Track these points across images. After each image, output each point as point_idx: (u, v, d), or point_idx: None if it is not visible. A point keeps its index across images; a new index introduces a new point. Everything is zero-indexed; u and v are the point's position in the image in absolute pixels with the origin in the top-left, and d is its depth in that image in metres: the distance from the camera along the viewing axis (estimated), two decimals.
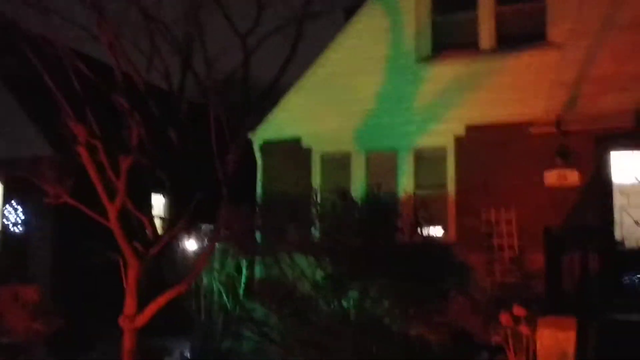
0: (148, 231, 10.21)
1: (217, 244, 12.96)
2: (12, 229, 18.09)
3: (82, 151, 9.75)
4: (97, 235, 16.82)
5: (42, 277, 16.26)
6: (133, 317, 9.97)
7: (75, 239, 16.83)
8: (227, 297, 14.18)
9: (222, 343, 14.23)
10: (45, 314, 11.16)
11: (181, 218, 10.82)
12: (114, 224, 10.17)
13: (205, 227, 14.48)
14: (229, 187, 11.65)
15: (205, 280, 14.01)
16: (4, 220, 18.17)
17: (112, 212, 10.09)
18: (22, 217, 18.08)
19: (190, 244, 20.87)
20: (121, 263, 10.44)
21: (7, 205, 18.23)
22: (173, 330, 14.62)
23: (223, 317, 14.28)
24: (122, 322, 10.02)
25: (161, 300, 10.38)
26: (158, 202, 18.79)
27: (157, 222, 20.53)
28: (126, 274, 10.09)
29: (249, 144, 15.81)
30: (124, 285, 10.09)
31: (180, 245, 20.98)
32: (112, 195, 10.31)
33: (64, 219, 17.44)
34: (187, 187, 11.95)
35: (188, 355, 14.53)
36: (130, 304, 10.00)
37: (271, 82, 11.73)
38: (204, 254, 11.06)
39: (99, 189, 10.01)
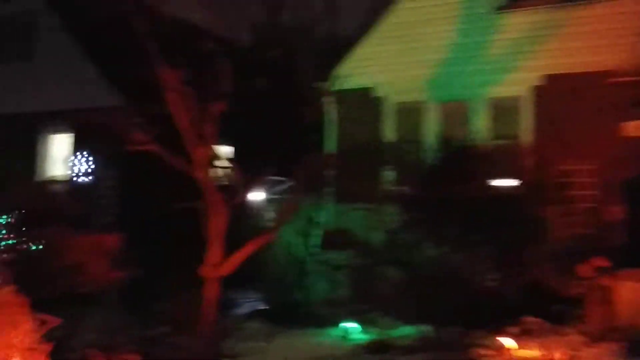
0: (232, 180, 10.14)
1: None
2: (81, 179, 18.35)
3: (172, 96, 9.68)
4: (162, 185, 17.18)
5: (109, 227, 16.48)
6: (217, 265, 9.97)
7: (141, 189, 17.02)
8: (299, 248, 14.16)
9: (293, 295, 14.24)
10: (124, 262, 11.26)
11: (258, 167, 10.76)
12: (202, 170, 10.08)
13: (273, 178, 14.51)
14: (309, 137, 11.61)
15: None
16: (74, 170, 18.42)
17: (200, 158, 9.98)
18: (91, 167, 18.30)
19: (257, 195, 21.15)
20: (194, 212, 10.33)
21: (77, 156, 18.47)
22: (241, 282, 14.76)
23: (294, 269, 14.30)
24: (205, 270, 10.00)
25: (248, 249, 10.40)
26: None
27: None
28: (209, 222, 10.02)
29: (319, 94, 15.67)
30: (207, 233, 10.03)
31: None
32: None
33: (131, 169, 17.66)
34: (257, 138, 11.94)
35: (258, 307, 14.60)
36: (214, 252, 9.97)
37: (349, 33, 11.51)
38: (290, 203, 11.00)
39: (188, 135, 9.93)
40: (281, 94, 12.36)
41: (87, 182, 18.20)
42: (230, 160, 10.13)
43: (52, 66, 18.89)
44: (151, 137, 9.96)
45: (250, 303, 14.74)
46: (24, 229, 11.68)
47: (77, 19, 19.09)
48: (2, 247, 11.08)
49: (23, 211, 12.50)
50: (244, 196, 10.31)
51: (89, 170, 18.23)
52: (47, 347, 8.25)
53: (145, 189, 16.53)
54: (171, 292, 12.94)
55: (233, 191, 10.25)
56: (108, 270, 10.70)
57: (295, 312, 13.69)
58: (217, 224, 9.94)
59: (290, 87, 13.26)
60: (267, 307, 14.39)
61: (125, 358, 9.11)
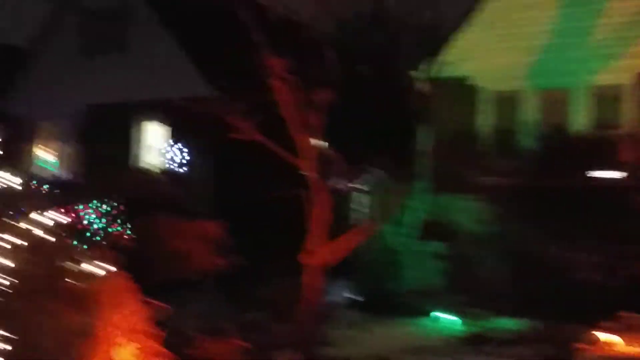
0: (338, 167, 10.09)
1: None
2: (176, 168, 18.62)
3: (278, 85, 9.68)
4: (259, 174, 17.31)
5: (208, 215, 16.67)
6: (318, 253, 9.93)
7: (236, 178, 17.19)
8: (395, 237, 14.06)
9: (388, 284, 14.17)
10: (226, 250, 11.37)
11: (357, 156, 10.66)
12: (307, 158, 10.05)
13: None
14: (406, 126, 11.49)
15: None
16: (169, 158, 18.70)
17: (306, 146, 9.95)
18: (186, 156, 18.56)
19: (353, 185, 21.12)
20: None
21: (172, 144, 18.75)
22: (334, 270, 14.75)
23: (389, 258, 14.22)
24: (305, 258, 9.99)
25: (353, 239, 10.37)
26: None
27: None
28: (312, 211, 10.00)
29: (417, 83, 15.45)
30: (309, 222, 10.01)
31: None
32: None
33: (226, 157, 17.86)
34: (356, 127, 11.86)
35: (352, 296, 14.57)
36: (314, 240, 9.95)
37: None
38: (398, 193, 10.88)
39: (294, 123, 9.92)
40: (378, 82, 12.23)
41: (182, 170, 18.45)
42: (332, 149, 10.02)
43: (147, 56, 19.23)
44: (254, 126, 9.98)
45: (344, 291, 14.70)
46: (126, 216, 11.94)
47: (172, 10, 19.40)
48: (104, 234, 11.34)
49: (124, 199, 12.77)
50: (347, 185, 10.25)
51: (184, 159, 18.49)
52: (157, 332, 8.42)
53: (241, 177, 16.70)
54: (269, 279, 13.05)
55: (335, 180, 10.20)
56: (211, 257, 10.81)
57: (389, 302, 13.62)
58: (320, 213, 9.91)
59: (388, 76, 13.10)
60: (361, 296, 14.34)
61: (231, 343, 9.21)
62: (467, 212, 13.32)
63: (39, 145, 20.94)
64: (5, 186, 7.62)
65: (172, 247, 10.31)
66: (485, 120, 15.10)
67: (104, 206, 12.59)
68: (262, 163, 16.93)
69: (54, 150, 21.42)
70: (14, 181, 7.70)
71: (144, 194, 12.95)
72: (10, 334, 7.01)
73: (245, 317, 11.37)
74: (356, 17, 10.61)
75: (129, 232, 11.47)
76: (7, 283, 7.08)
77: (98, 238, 10.84)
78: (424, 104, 15.53)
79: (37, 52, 21.15)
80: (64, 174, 19.90)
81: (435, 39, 14.79)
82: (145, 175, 16.15)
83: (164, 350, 8.30)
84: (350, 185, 10.42)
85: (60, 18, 20.92)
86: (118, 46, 20.10)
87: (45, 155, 20.99)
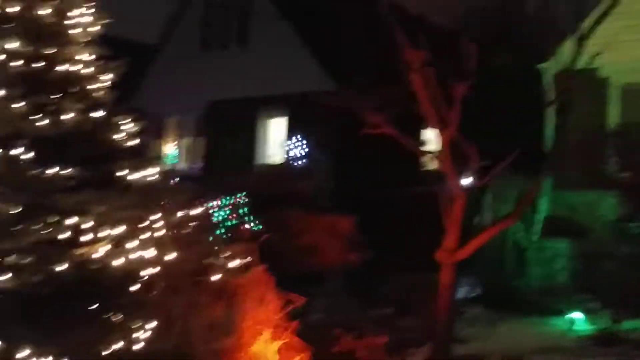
0: (472, 163, 9.99)
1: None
2: (295, 163, 18.83)
3: (415, 78, 9.67)
4: (376, 170, 17.37)
5: (327, 210, 16.83)
6: (454, 250, 9.92)
7: (356, 174, 17.29)
8: (519, 234, 13.81)
9: (512, 281, 13.95)
10: (357, 245, 11.47)
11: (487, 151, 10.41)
12: (445, 152, 9.97)
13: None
14: (531, 120, 11.27)
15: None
16: (291, 153, 18.95)
17: (443, 140, 9.87)
18: (307, 151, 18.73)
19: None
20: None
21: (292, 140, 19.00)
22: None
23: (513, 255, 14.00)
24: (441, 255, 9.98)
25: (486, 235, 10.30)
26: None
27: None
28: (448, 207, 9.95)
29: (541, 75, 15.07)
30: (445, 219, 9.96)
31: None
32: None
33: (345, 154, 17.99)
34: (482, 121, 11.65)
35: (475, 292, 14.41)
36: (452, 237, 9.89)
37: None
38: (532, 188, 10.68)
39: (431, 117, 9.88)
40: (508, 74, 12.00)
41: (303, 165, 18.61)
42: (466, 144, 9.89)
43: (268, 50, 19.52)
44: (386, 119, 10.01)
45: (466, 288, 14.57)
46: (255, 211, 12.22)
47: (293, 3, 19.62)
48: (235, 229, 11.58)
49: (252, 193, 13.06)
50: (487, 179, 10.13)
51: (305, 154, 18.67)
52: (294, 324, 8.65)
53: (362, 172, 16.79)
54: (391, 275, 13.10)
55: (469, 176, 10.08)
56: (341, 252, 10.93)
57: (513, 299, 13.42)
58: (455, 210, 9.86)
59: (518, 68, 12.83)
60: (484, 293, 14.17)
61: (373, 340, 9.32)
62: (595, 208, 12.91)
63: (165, 141, 21.69)
64: (147, 181, 7.93)
65: (303, 241, 10.49)
66: (612, 113, 14.58)
67: (232, 201, 12.92)
68: (384, 158, 17.14)
69: (178, 145, 22.18)
70: (153, 176, 8.00)
71: (270, 188, 13.17)
72: (157, 326, 7.35)
73: (372, 312, 11.50)
74: (487, 8, 10.38)
75: (259, 226, 11.73)
76: (154, 276, 7.42)
77: (229, 234, 11.14)
78: (553, 97, 15.12)
79: (162, 48, 21.86)
80: (188, 169, 20.54)
81: (560, 29, 14.32)
82: (271, 169, 16.43)
83: (304, 344, 8.49)
84: (482, 180, 10.26)
85: (184, 13, 21.55)
86: (239, 40, 20.54)
87: (170, 151, 21.74)
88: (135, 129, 8.20)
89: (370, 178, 16.87)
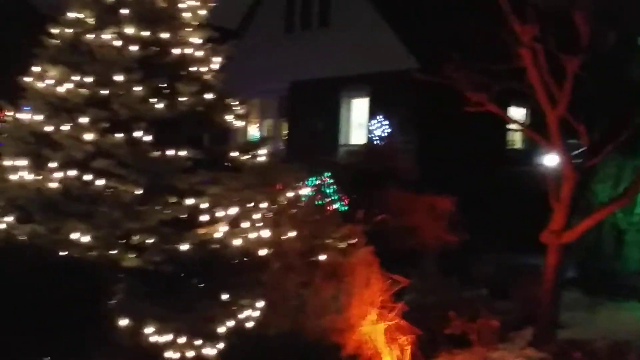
0: (582, 142, 9.73)
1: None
2: (377, 143, 18.72)
3: (525, 53, 9.44)
4: (462, 150, 17.12)
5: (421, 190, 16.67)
6: (560, 232, 9.70)
7: (440, 154, 17.08)
8: (618, 216, 13.35)
9: (610, 265, 13.53)
10: (456, 225, 11.33)
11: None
12: (554, 131, 9.72)
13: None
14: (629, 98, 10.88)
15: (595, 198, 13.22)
16: (371, 134, 18.87)
17: (552, 119, 9.68)
18: (387, 131, 18.62)
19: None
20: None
21: (374, 120, 18.89)
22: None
23: (611, 238, 13.59)
24: (547, 237, 9.75)
25: (596, 217, 10.04)
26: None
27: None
28: (556, 188, 9.72)
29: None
30: (553, 200, 9.73)
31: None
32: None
33: (430, 131, 17.83)
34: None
35: (570, 275, 14.07)
36: (559, 219, 9.63)
37: None
38: (632, 170, 10.38)
39: (540, 94, 9.63)
40: (606, 52, 11.55)
41: (394, 144, 18.44)
42: (575, 122, 9.61)
43: (350, 30, 19.40)
44: (487, 97, 9.82)
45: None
46: (350, 191, 12.18)
47: None
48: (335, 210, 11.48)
49: (347, 174, 13.01)
50: (597, 159, 9.85)
51: (388, 133, 18.54)
52: (399, 306, 8.64)
53: (446, 152, 16.59)
54: (488, 255, 12.89)
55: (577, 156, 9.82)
56: (441, 233, 10.83)
57: (611, 283, 13.07)
58: (564, 190, 9.61)
59: (616, 46, 12.37)
60: (579, 276, 13.83)
61: (486, 322, 9.26)
62: None
63: (248, 123, 21.87)
64: (258, 162, 8.00)
65: (403, 221, 10.42)
66: None
67: (323, 181, 12.92)
68: (470, 136, 16.95)
69: (260, 127, 22.36)
70: (263, 157, 8.06)
71: (365, 166, 13.07)
72: (271, 304, 7.46)
73: (466, 294, 11.36)
74: None
75: (345, 207, 11.68)
76: (269, 255, 7.52)
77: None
78: None
79: (244, 32, 21.99)
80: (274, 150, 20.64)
81: None
82: (362, 149, 16.36)
83: (410, 325, 8.49)
84: (592, 160, 9.95)
85: None
86: (321, 21, 20.50)
87: (253, 132, 21.93)
88: (243, 111, 8.29)
89: (458, 157, 16.66)
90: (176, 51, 7.70)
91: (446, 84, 10.17)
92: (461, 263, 12.25)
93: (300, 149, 19.54)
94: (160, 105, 7.34)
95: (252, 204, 7.52)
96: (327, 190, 13.43)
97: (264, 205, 7.65)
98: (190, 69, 7.86)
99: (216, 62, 8.12)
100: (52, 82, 7.50)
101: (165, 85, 7.53)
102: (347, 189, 12.93)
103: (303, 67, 20.17)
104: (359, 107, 20.09)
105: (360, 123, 19.85)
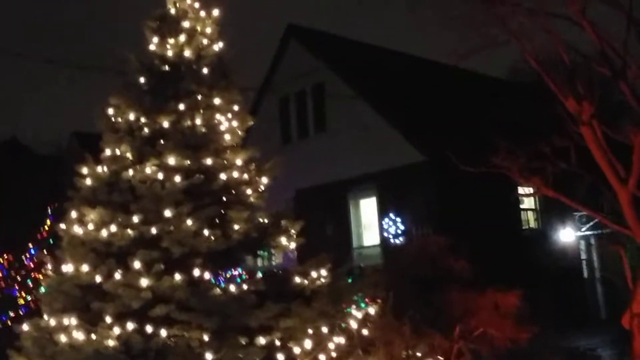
0: None
1: None
2: (392, 241, 18.13)
3: (586, 131, 8.97)
4: (475, 240, 16.63)
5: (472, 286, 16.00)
6: None
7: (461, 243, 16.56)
8: None
9: None
10: (524, 321, 10.55)
11: None
12: (627, 208, 9.08)
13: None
14: None
15: None
16: (385, 233, 18.30)
17: (624, 195, 9.03)
18: (402, 228, 18.08)
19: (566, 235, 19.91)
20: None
21: (386, 218, 18.36)
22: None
23: None
24: (630, 322, 9.02)
25: None
26: None
27: None
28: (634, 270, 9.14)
29: None
30: (631, 281, 9.11)
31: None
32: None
33: (446, 223, 17.29)
34: None
35: None
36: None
37: None
38: None
39: (608, 171, 9.07)
40: None
41: (398, 241, 17.91)
42: None
43: (347, 132, 19.10)
44: (545, 180, 9.33)
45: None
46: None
47: (367, 80, 19.28)
48: None
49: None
50: None
51: (399, 232, 18.01)
52: None
53: (467, 239, 16.05)
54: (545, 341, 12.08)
55: None
56: (512, 332, 10.02)
57: None
58: None
59: None
60: None
61: None
62: None
63: None
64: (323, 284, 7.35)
65: (470, 323, 9.63)
66: None
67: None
68: (488, 221, 16.52)
69: None
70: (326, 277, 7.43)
71: (417, 272, 12.35)
72: None
73: None
74: None
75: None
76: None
77: None
78: None
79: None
80: (283, 262, 19.93)
81: None
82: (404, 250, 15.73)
83: None
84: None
85: (258, 109, 21.38)
86: (316, 127, 20.26)
87: None
88: (296, 230, 7.71)
89: (479, 242, 16.15)
90: (222, 176, 7.14)
91: (494, 171, 9.75)
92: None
93: (312, 257, 18.86)
94: (214, 236, 6.72)
95: (327, 332, 6.80)
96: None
97: (338, 335, 6.92)
98: (238, 192, 7.30)
99: (262, 183, 7.57)
100: (92, 226, 6.87)
101: (216, 213, 6.93)
102: (404, 297, 12.15)
103: (305, 174, 19.69)
104: (367, 206, 19.57)
105: (371, 223, 19.31)
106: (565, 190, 9.64)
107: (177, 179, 6.86)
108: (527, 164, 9.39)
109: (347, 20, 42.55)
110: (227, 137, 7.43)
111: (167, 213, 6.66)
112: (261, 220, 7.22)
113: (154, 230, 6.66)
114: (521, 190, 18.10)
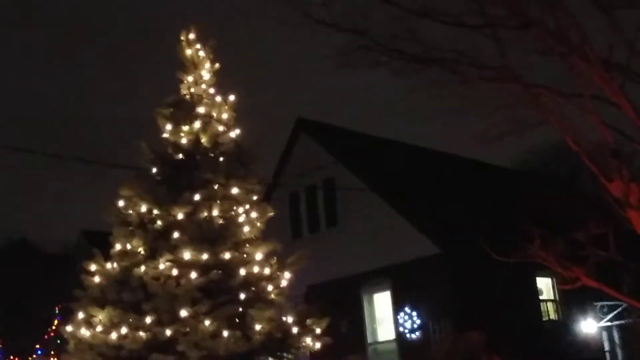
0: None
1: None
2: (409, 336, 17.50)
3: (634, 215, 8.49)
4: (495, 333, 16.06)
5: None
6: None
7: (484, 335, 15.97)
8: None
9: None
10: None
11: None
12: None
13: None
14: None
15: None
16: (400, 328, 17.67)
17: None
18: (418, 322, 17.47)
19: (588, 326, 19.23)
20: None
21: (401, 312, 17.75)
22: None
23: None
24: None
25: None
26: None
27: None
28: None
29: None
30: None
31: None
32: None
33: (464, 317, 16.69)
34: None
35: None
36: None
37: None
38: None
39: None
40: None
41: (414, 336, 17.23)
42: None
43: (359, 228, 18.72)
44: (585, 271, 8.81)
45: None
46: None
47: (376, 173, 19.03)
48: None
49: None
50: None
51: (414, 327, 17.37)
52: None
53: (490, 331, 15.45)
54: None
55: None
56: None
57: None
58: None
59: None
60: None
61: None
62: None
63: None
64: None
65: None
66: None
67: None
68: (507, 312, 15.96)
69: None
70: None
71: None
72: None
73: None
74: None
75: None
76: None
77: None
78: None
79: None
80: None
81: None
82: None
83: None
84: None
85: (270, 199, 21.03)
86: (328, 222, 19.84)
87: None
88: (322, 329, 7.13)
89: (497, 335, 15.53)
90: (242, 271, 6.61)
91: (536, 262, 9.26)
92: None
93: (326, 354, 18.14)
94: (234, 338, 6.13)
95: None
96: None
97: None
98: (259, 289, 6.75)
99: (284, 278, 7.03)
100: (100, 328, 6.29)
101: (236, 312, 6.36)
102: None
103: (317, 269, 18.92)
104: (381, 301, 18.92)
105: (385, 318, 18.64)
106: (607, 280, 9.12)
107: (193, 275, 6.34)
108: (564, 252, 8.88)
109: (357, 111, 42.53)
110: (246, 229, 6.95)
111: (183, 313, 6.10)
112: (284, 318, 6.62)
113: (168, 332, 6.10)
114: (540, 280, 17.63)
